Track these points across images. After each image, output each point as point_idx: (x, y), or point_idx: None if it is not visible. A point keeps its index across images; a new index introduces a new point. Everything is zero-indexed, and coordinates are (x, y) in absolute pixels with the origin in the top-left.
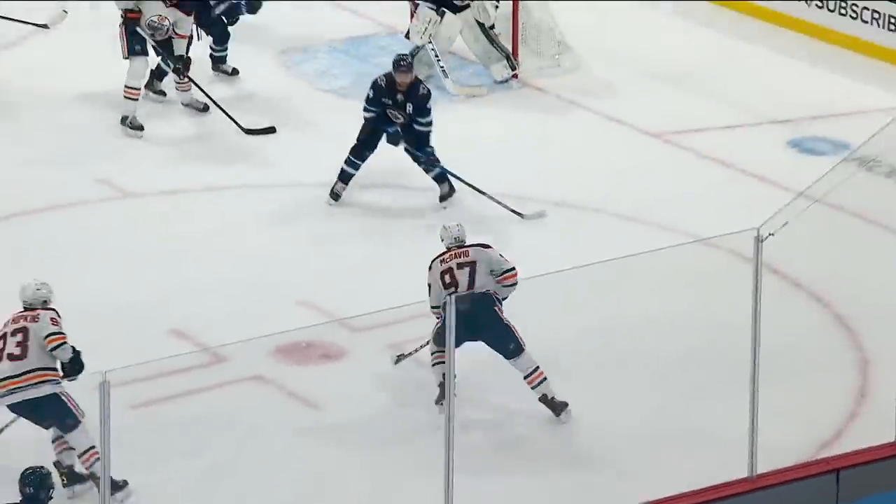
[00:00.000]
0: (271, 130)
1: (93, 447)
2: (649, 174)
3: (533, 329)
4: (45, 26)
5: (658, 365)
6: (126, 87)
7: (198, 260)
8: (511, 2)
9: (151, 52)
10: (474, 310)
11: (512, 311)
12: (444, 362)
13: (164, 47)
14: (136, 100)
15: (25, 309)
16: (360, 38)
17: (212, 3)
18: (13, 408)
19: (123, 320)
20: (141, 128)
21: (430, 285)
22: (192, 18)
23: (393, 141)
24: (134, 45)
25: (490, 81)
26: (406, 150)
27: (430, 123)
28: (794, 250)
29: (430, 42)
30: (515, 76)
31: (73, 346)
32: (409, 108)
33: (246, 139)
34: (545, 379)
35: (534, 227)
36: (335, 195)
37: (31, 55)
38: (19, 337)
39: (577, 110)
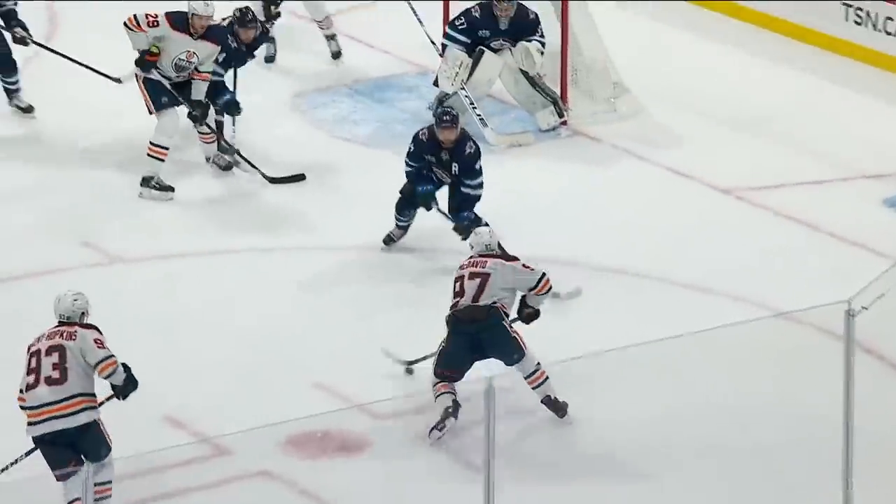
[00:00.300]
0: (300, 178)
1: (110, 481)
2: (720, 236)
3: (586, 413)
4: (117, 80)
5: (732, 459)
6: (152, 144)
7: (196, 335)
8: (560, 37)
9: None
10: (480, 328)
11: (563, 389)
12: (446, 393)
13: (181, 90)
14: (163, 160)
15: (61, 323)
16: (384, 78)
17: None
18: (46, 437)
19: (110, 405)
20: (171, 189)
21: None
22: (217, 52)
23: (425, 203)
24: (160, 97)
25: (535, 129)
26: (440, 210)
27: (479, 186)
28: (891, 326)
29: (463, 88)
30: (564, 123)
31: (123, 364)
32: (455, 167)
33: (257, 194)
34: (547, 378)
35: (586, 298)
36: (389, 239)
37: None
38: (55, 357)
39: (636, 162)
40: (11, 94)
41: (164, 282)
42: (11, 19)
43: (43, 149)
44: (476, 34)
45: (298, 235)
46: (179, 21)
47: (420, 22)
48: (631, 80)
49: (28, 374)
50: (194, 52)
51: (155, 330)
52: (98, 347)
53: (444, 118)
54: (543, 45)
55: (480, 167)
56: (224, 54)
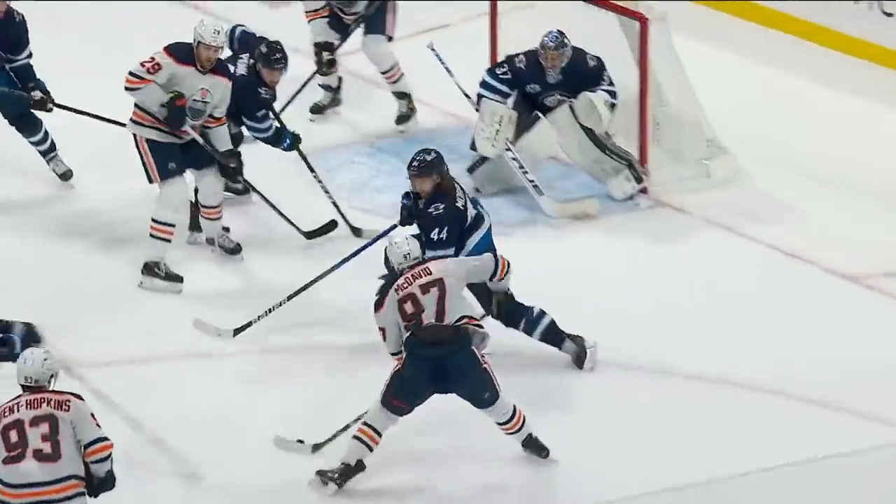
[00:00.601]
0: (332, 226)
1: None
2: (845, 336)
3: None
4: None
5: None
6: (155, 222)
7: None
8: (638, 83)
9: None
10: (447, 353)
11: None
12: (365, 443)
13: (189, 149)
14: (170, 240)
15: (27, 388)
16: (415, 134)
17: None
18: None
19: None
20: (179, 278)
21: (382, 329)
22: (229, 90)
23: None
24: (168, 162)
25: (605, 196)
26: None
27: (441, 244)
28: None
29: (509, 148)
30: (644, 191)
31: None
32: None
33: (270, 282)
34: (525, 421)
35: (678, 416)
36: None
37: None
38: (45, 428)
39: (735, 239)
40: (45, 156)
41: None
42: (29, 79)
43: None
44: (523, 88)
45: (326, 333)
46: (183, 53)
47: (448, 71)
48: (729, 137)
49: (9, 448)
50: (208, 91)
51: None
52: (95, 425)
53: (412, 165)
54: (613, 95)
55: (442, 237)
56: (264, 112)
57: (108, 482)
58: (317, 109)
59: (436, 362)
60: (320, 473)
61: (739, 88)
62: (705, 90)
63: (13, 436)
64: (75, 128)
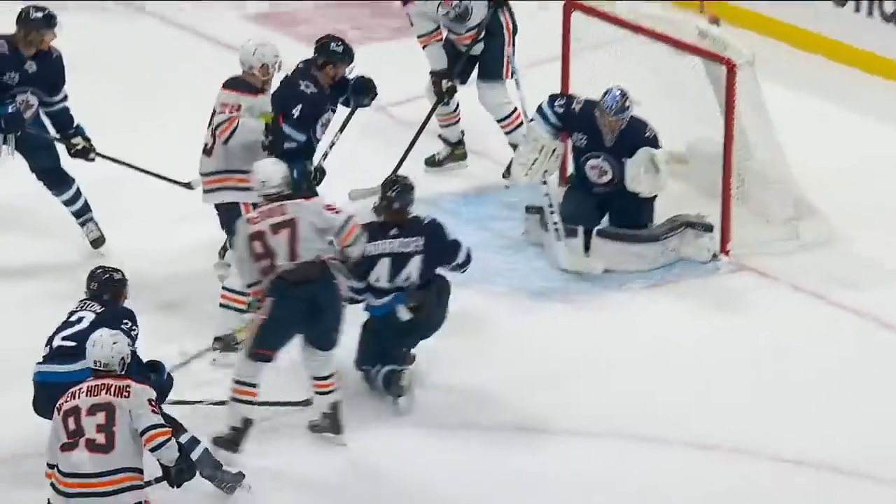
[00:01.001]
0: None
1: None
2: None
3: None
4: (188, 186)
5: None
6: (227, 290)
7: None
8: (722, 134)
9: None
10: (317, 291)
11: None
12: (245, 401)
13: None
14: (244, 310)
15: (97, 373)
16: (479, 189)
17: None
18: None
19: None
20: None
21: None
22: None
23: None
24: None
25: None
26: None
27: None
28: None
29: (544, 182)
30: (726, 253)
31: (179, 442)
32: None
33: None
34: (336, 387)
35: (752, 490)
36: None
37: None
38: (101, 417)
39: (827, 309)
40: (77, 217)
41: None
42: (67, 124)
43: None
44: (570, 132)
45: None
46: (240, 84)
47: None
48: (820, 196)
49: (67, 436)
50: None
51: None
52: (151, 410)
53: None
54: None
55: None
56: (300, 106)
57: (183, 471)
58: (432, 162)
59: (308, 301)
60: (215, 441)
61: (832, 142)
62: (796, 144)
63: (71, 423)
64: (105, 181)
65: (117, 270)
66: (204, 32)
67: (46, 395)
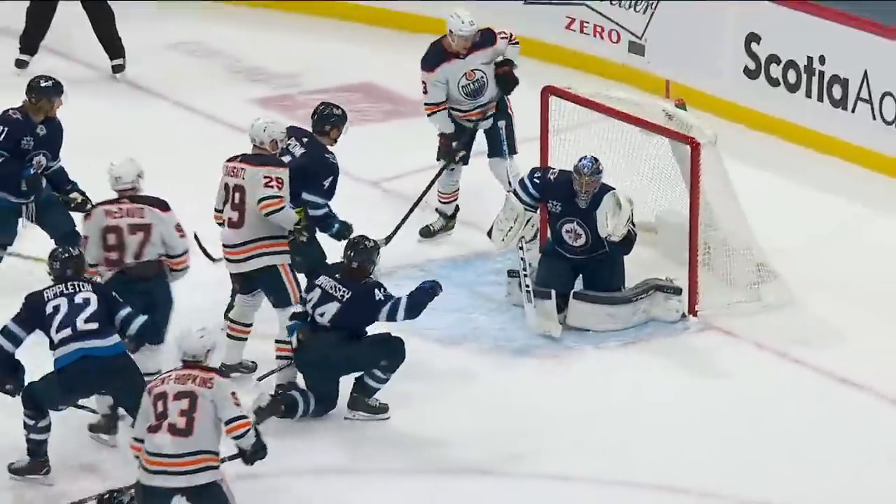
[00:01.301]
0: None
1: None
2: None
3: None
4: (213, 260)
5: None
6: (280, 342)
7: None
8: (687, 203)
9: None
10: (152, 289)
11: None
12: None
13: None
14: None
15: (186, 364)
16: (465, 257)
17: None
18: (158, 490)
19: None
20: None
21: (85, 237)
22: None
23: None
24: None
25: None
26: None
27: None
28: None
29: (521, 247)
30: (695, 313)
31: (255, 427)
32: None
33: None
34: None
35: None
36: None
37: None
38: (184, 404)
39: (790, 367)
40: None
41: None
42: (63, 182)
43: None
44: (546, 200)
45: None
46: (268, 159)
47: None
48: (780, 262)
49: (154, 418)
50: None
51: None
52: (234, 403)
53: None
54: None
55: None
56: (331, 178)
57: (258, 452)
58: (427, 233)
59: (143, 296)
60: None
61: (791, 215)
62: (757, 215)
63: (159, 406)
64: None
65: (74, 248)
66: (212, 114)
67: (89, 369)
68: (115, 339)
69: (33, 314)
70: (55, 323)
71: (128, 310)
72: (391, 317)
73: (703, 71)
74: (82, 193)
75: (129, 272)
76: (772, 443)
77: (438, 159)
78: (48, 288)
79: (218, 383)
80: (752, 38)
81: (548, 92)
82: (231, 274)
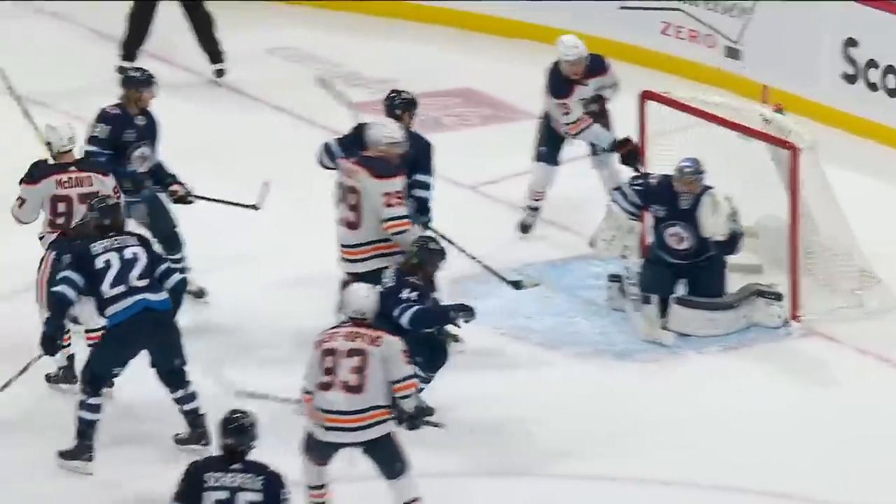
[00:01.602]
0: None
1: (416, 499)
2: None
3: None
4: (254, 207)
5: None
6: None
7: None
8: (788, 210)
9: None
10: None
11: None
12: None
13: None
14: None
15: (353, 321)
16: (564, 260)
17: None
18: (332, 445)
19: None
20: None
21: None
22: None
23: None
24: None
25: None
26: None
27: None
28: None
29: (624, 255)
30: (797, 319)
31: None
32: None
33: None
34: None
35: None
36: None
37: None
38: (356, 361)
39: (890, 371)
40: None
41: None
42: (164, 176)
43: None
44: (649, 206)
45: None
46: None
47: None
48: (882, 267)
49: (323, 373)
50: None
51: None
52: (405, 363)
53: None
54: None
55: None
56: (431, 159)
57: (419, 416)
58: (525, 229)
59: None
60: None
61: (893, 219)
62: (857, 220)
63: (328, 361)
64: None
65: (109, 197)
66: (310, 118)
67: (146, 321)
68: (165, 293)
69: (84, 265)
70: (109, 278)
71: (167, 264)
72: (399, 317)
73: (800, 76)
74: (183, 185)
75: (69, 233)
76: (874, 450)
77: (624, 164)
78: (94, 242)
79: (387, 341)
80: (850, 42)
81: (646, 96)
82: (347, 273)
